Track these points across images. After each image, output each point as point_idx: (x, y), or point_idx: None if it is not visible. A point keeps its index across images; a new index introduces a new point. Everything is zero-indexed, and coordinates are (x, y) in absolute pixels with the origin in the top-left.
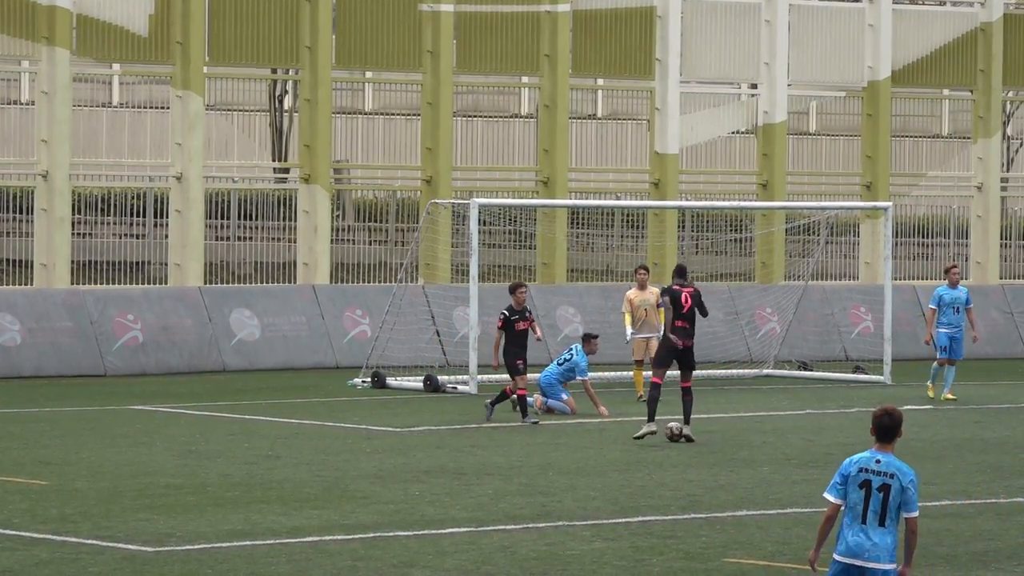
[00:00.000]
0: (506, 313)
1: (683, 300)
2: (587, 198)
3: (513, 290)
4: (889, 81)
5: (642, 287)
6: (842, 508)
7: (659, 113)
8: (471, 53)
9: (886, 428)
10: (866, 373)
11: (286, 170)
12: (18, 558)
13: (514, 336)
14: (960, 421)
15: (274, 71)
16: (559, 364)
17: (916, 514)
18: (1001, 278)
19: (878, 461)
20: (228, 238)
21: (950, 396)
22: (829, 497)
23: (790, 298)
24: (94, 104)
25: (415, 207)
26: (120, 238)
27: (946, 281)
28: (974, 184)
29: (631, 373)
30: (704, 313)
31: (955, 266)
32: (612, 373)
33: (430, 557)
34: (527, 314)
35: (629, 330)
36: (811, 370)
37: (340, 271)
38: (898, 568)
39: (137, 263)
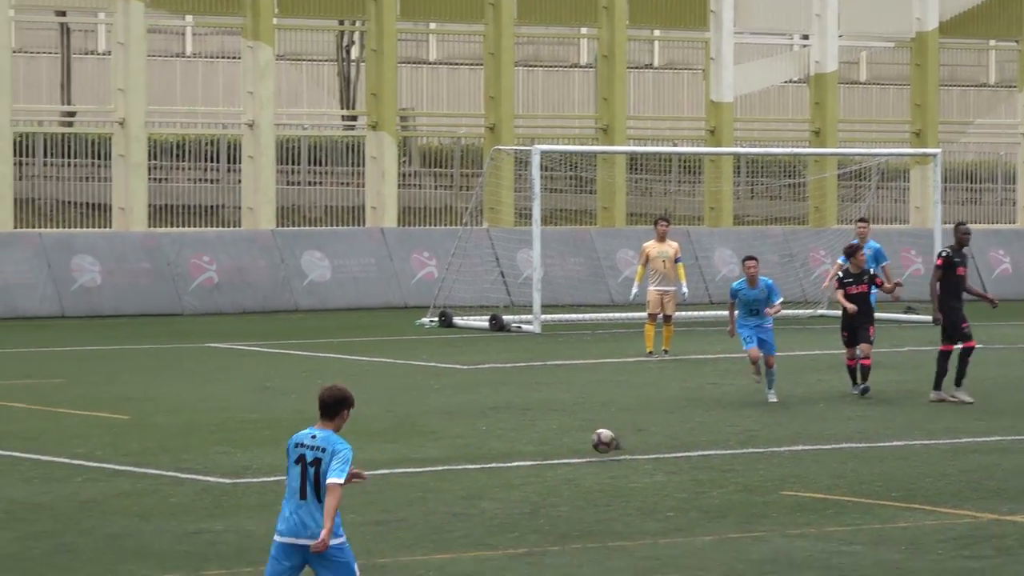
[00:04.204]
0: (840, 276)
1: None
2: (645, 145)
3: (852, 253)
4: (937, 32)
5: (661, 239)
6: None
7: (714, 63)
8: (531, 5)
9: (324, 404)
10: (916, 313)
11: (354, 118)
12: (101, 488)
13: (853, 300)
14: (1011, 361)
15: (341, 22)
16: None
17: (337, 480)
18: None
19: (313, 436)
20: (299, 183)
21: None
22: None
23: (842, 241)
24: (168, 54)
25: (479, 153)
26: (195, 183)
27: None
28: (1020, 131)
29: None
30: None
31: None
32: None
33: (497, 489)
34: (866, 278)
35: (636, 287)
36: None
37: (407, 215)
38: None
39: (212, 207)
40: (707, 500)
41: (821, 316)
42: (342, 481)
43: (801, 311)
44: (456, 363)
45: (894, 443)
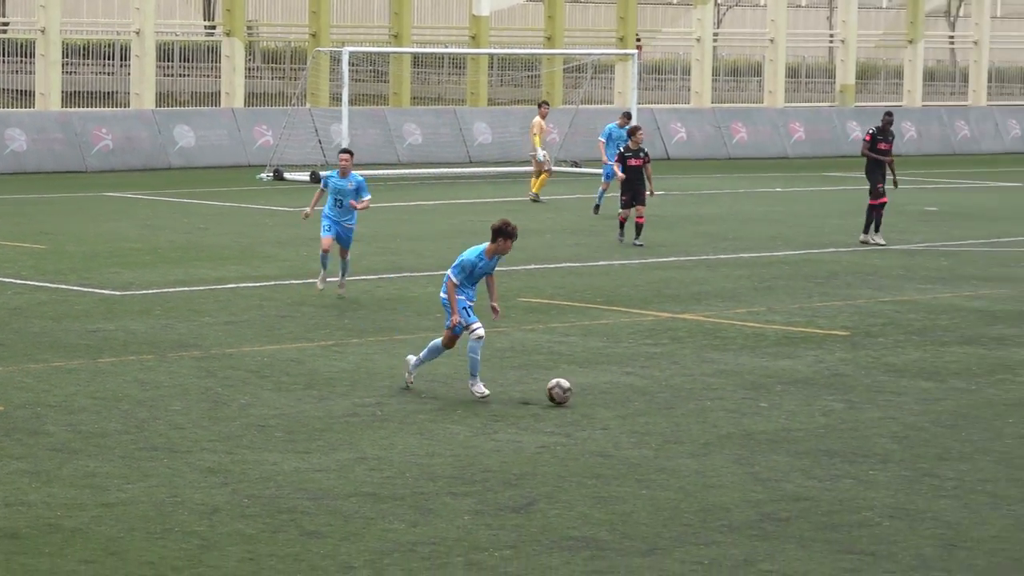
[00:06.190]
0: (621, 150)
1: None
2: (425, 47)
3: (632, 132)
4: None
5: (544, 117)
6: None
7: None
8: None
9: (491, 229)
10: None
11: (213, 27)
12: (25, 299)
13: (628, 171)
14: (684, 202)
15: None
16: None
17: (448, 274)
18: (712, 103)
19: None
20: (173, 75)
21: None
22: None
23: (567, 117)
24: None
25: (304, 53)
26: (96, 75)
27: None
28: (695, 37)
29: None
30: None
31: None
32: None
33: (314, 298)
34: (642, 153)
35: (540, 151)
36: (580, 167)
37: (251, 98)
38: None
39: (108, 92)
40: None
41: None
42: (451, 277)
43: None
44: (285, 207)
45: (600, 263)
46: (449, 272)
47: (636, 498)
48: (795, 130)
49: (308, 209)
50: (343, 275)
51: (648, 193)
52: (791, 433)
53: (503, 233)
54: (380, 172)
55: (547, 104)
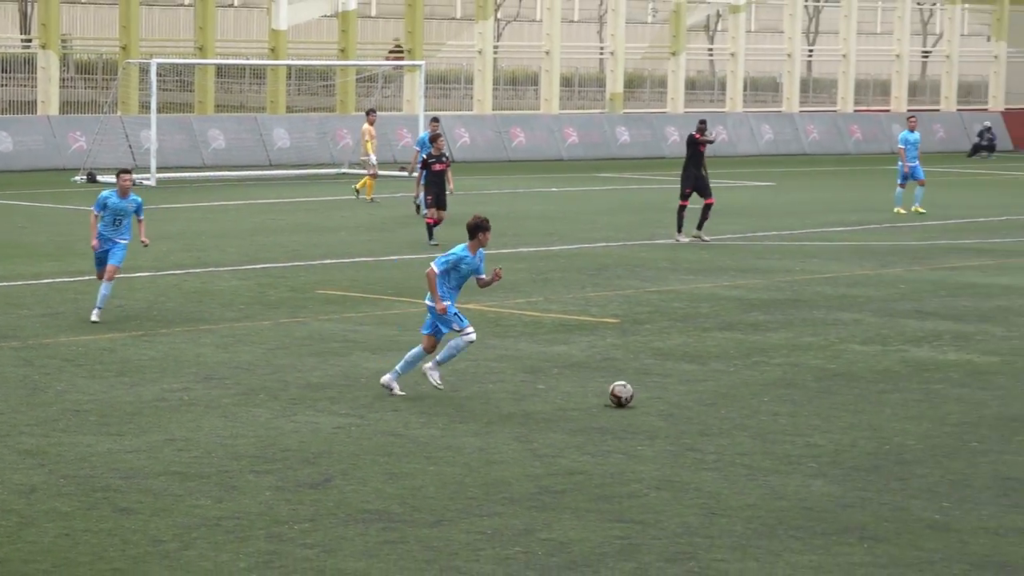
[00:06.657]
0: (424, 156)
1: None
2: (228, 59)
3: (434, 139)
4: None
5: (372, 124)
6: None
7: (274, 1)
8: None
9: (467, 228)
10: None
11: (30, 40)
12: None
13: (432, 175)
14: (467, 202)
15: None
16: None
17: (432, 266)
18: (493, 109)
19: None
20: None
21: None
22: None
23: (359, 123)
24: None
25: (115, 65)
26: None
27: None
28: (477, 50)
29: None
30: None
31: (913, 116)
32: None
33: (126, 291)
34: (444, 158)
35: (374, 156)
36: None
37: (66, 106)
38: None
39: None
40: (267, 297)
41: (344, 174)
42: (433, 267)
43: (330, 170)
44: None
45: (391, 257)
46: (432, 264)
47: (425, 474)
48: (569, 135)
49: (95, 242)
50: (101, 303)
51: (448, 192)
52: (566, 412)
53: (479, 228)
54: (186, 175)
55: (374, 112)
